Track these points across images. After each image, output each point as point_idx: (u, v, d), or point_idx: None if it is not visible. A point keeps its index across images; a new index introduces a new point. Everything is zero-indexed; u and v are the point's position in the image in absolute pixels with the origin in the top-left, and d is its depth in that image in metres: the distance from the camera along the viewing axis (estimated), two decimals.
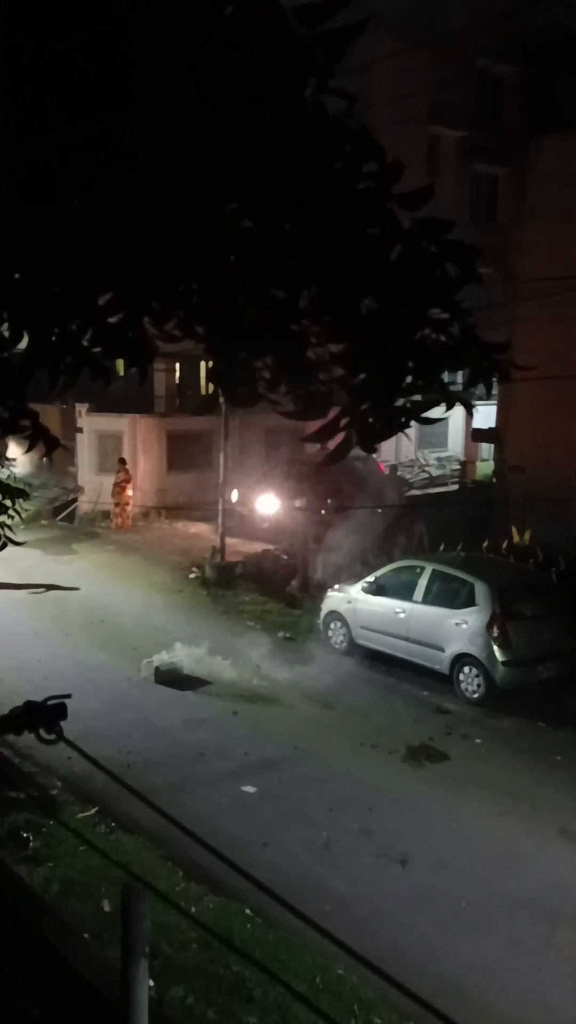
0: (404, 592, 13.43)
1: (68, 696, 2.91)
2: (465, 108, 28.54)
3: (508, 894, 7.96)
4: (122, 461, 22.46)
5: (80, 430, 24.49)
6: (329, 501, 19.58)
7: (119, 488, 21.98)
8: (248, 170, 2.07)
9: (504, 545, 16.41)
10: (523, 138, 20.30)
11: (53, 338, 2.45)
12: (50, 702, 2.96)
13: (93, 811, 8.86)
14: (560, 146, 18.64)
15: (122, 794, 7.72)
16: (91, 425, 24.45)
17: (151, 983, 5.34)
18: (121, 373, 4.11)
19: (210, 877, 7.72)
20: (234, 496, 21.57)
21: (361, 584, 14.07)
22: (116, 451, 23.77)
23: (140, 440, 23.88)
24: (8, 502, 8.30)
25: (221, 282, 2.24)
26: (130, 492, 22.15)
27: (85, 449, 24.49)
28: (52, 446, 2.75)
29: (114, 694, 12.04)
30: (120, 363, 2.79)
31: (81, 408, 24.31)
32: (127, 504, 22.17)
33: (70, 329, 2.45)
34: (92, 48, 2.03)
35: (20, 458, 16.65)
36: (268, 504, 20.96)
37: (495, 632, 12.19)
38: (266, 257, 2.15)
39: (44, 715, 2.95)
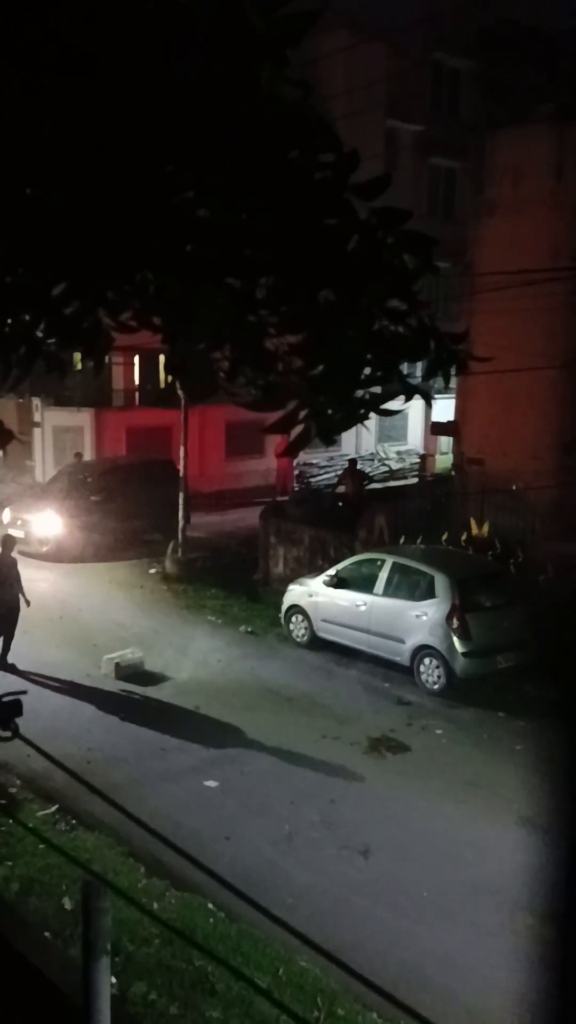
0: (365, 585, 13.47)
1: (24, 692, 2.87)
2: (422, 102, 28.64)
3: (469, 882, 8.03)
4: (78, 456, 22.23)
5: (37, 424, 24.21)
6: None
7: None
8: (202, 157, 2.05)
9: (463, 537, 16.53)
10: (479, 132, 20.39)
11: (5, 329, 2.41)
12: (5, 699, 2.92)
13: (53, 809, 8.77)
14: (514, 140, 18.78)
15: (83, 791, 7.66)
16: (48, 419, 24.19)
17: (113, 980, 5.31)
18: (79, 367, 4.07)
19: (172, 872, 7.69)
20: (5, 516, 18.62)
21: (322, 577, 14.09)
22: (74, 446, 23.52)
23: (99, 435, 23.67)
24: None
25: (177, 271, 2.22)
26: None
27: (42, 444, 24.22)
28: (6, 439, 2.71)
29: (74, 691, 11.94)
30: (78, 356, 2.75)
31: (38, 402, 24.04)
32: None
33: (23, 320, 2.40)
34: (40, 33, 1.99)
35: None
36: (48, 524, 17.93)
37: (455, 623, 12.28)
38: (222, 246, 2.13)
39: None
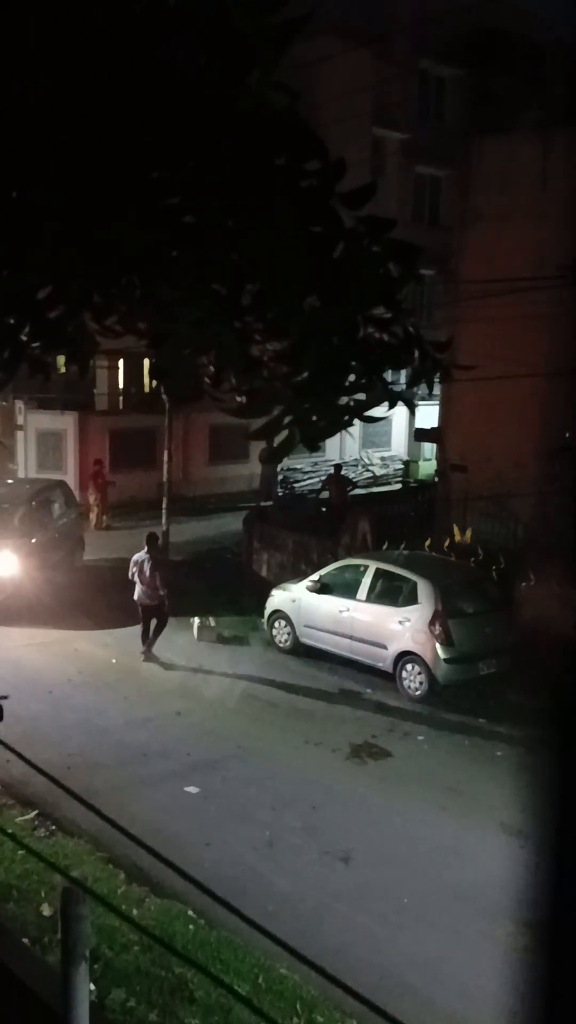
0: (348, 591, 13.48)
1: (4, 697, 2.86)
2: (408, 110, 28.77)
3: (449, 888, 8.04)
4: (98, 462, 22.09)
5: (20, 428, 24.10)
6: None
7: (99, 489, 21.58)
8: (190, 161, 2.05)
9: (446, 543, 16.58)
10: (465, 140, 20.48)
11: None
12: None
13: (33, 814, 8.72)
14: (500, 149, 18.88)
15: (63, 797, 7.62)
16: (32, 423, 24.08)
17: (92, 987, 5.27)
18: (63, 370, 4.05)
19: (152, 879, 7.66)
20: None
21: (306, 583, 14.10)
22: (57, 449, 23.43)
23: (83, 438, 23.59)
24: None
25: (163, 276, 2.22)
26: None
27: (25, 447, 24.10)
28: None
29: (55, 696, 11.87)
30: (62, 359, 2.75)
31: (21, 405, 23.92)
32: (104, 504, 21.77)
33: (7, 323, 2.40)
34: (25, 39, 1.99)
35: None
36: (5, 565, 14.96)
37: (437, 630, 12.31)
38: (208, 251, 2.13)
39: None
